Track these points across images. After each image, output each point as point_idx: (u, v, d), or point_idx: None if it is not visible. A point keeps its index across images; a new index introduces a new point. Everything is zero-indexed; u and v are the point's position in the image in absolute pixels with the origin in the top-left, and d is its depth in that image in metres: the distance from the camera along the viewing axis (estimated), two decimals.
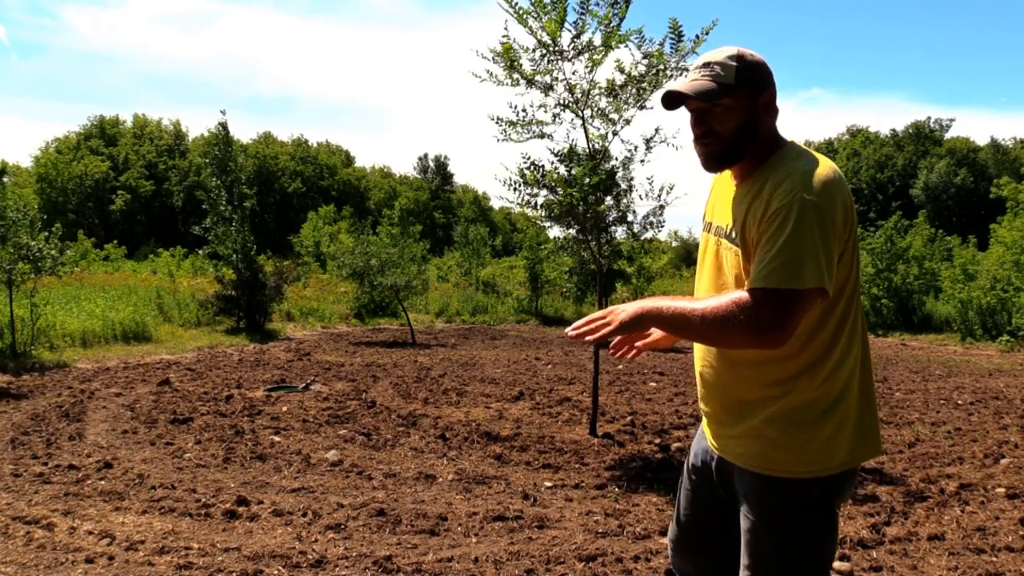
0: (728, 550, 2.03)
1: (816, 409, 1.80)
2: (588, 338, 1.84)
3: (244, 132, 69.77)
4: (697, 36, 5.69)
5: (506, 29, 5.71)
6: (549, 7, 5.58)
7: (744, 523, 1.89)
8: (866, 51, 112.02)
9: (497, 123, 6.11)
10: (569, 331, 1.87)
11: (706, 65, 1.85)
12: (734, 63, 1.83)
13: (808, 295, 1.66)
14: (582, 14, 5.64)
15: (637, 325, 1.81)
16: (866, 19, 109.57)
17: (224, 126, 15.36)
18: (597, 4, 5.62)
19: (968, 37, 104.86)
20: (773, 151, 1.87)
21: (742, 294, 1.70)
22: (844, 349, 1.82)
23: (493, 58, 5.82)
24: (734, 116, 1.84)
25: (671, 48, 5.67)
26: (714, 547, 2.09)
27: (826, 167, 1.77)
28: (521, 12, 5.64)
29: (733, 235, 1.86)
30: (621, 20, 5.68)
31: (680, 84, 1.88)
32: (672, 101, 1.90)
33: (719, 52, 1.87)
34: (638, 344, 2.19)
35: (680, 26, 5.57)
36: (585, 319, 1.88)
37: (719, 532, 2.06)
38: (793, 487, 1.82)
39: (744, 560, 1.90)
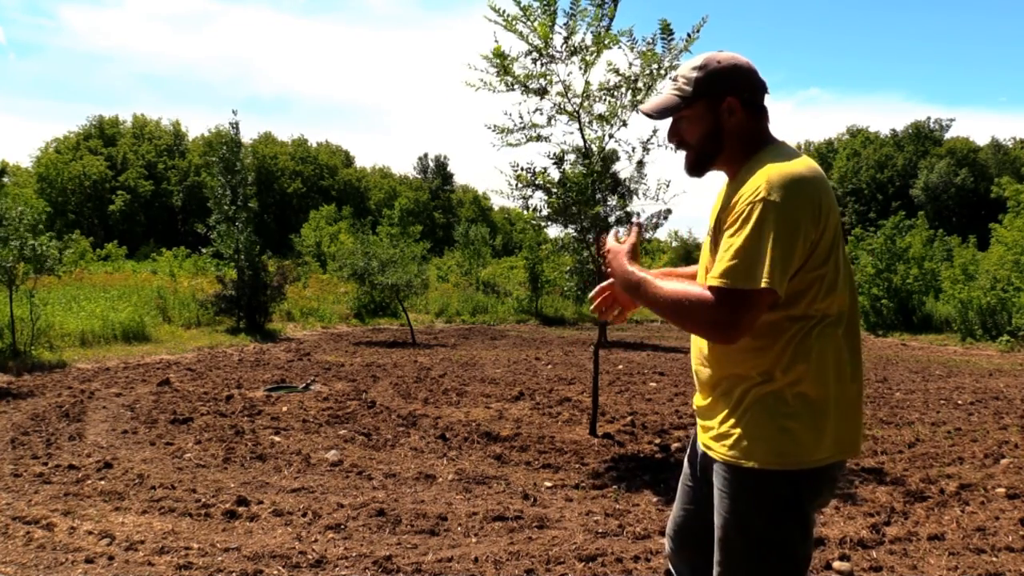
0: None
1: (790, 400, 1.81)
2: (604, 315, 2.04)
3: (243, 132, 69.54)
4: (688, 35, 5.67)
5: (496, 40, 5.72)
6: (539, 10, 5.57)
7: (717, 519, 1.91)
8: (865, 50, 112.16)
9: (493, 130, 6.12)
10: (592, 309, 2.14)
11: (674, 79, 1.98)
12: (695, 74, 1.93)
13: (760, 295, 1.71)
14: (572, 15, 5.63)
15: (623, 289, 2.00)
16: (864, 18, 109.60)
17: (235, 126, 15.41)
18: (584, 6, 5.62)
19: (967, 36, 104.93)
20: (756, 151, 1.92)
21: (703, 290, 1.77)
22: (823, 346, 1.82)
23: (488, 63, 5.81)
24: (697, 126, 1.95)
25: (663, 48, 5.67)
26: (708, 545, 2.09)
27: (798, 166, 1.80)
28: (510, 19, 5.63)
29: (714, 231, 1.92)
30: (611, 20, 5.67)
31: (646, 103, 2.01)
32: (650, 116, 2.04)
33: (688, 64, 1.97)
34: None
35: (670, 25, 5.58)
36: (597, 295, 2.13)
37: (712, 530, 2.07)
38: (763, 480, 1.82)
39: (716, 556, 1.92)
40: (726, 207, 1.85)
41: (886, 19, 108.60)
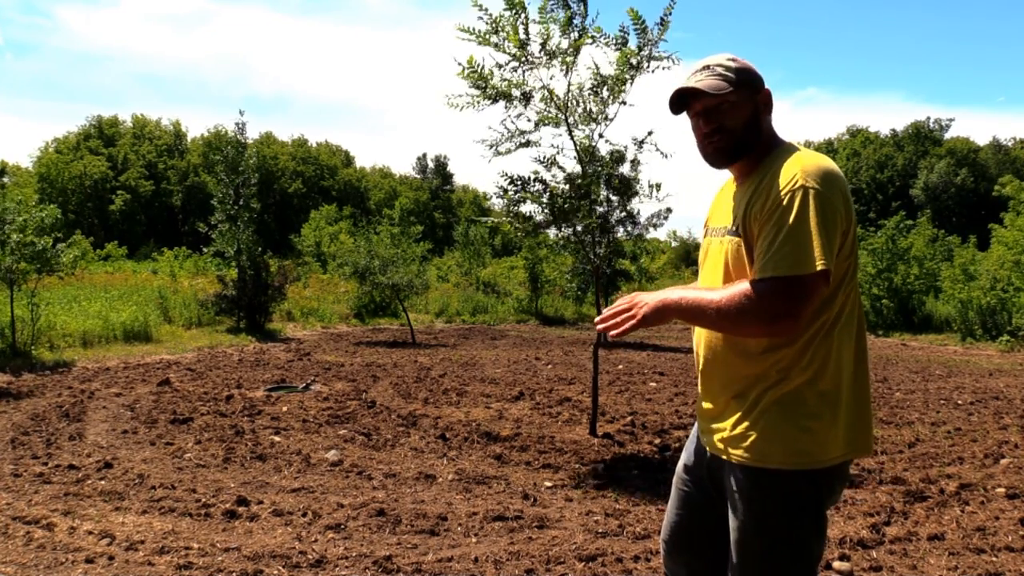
0: (719, 552, 2.04)
1: (810, 399, 1.81)
2: (613, 333, 1.88)
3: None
4: (661, 19, 5.54)
5: (460, 65, 5.65)
6: (507, 24, 5.50)
7: (732, 521, 1.90)
8: (862, 50, 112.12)
9: (482, 144, 6.06)
10: (596, 322, 1.94)
11: (706, 67, 1.94)
12: (733, 64, 1.93)
13: (814, 280, 1.70)
14: (543, 22, 5.55)
15: (659, 319, 1.86)
16: (861, 17, 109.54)
17: (241, 127, 15.44)
18: (552, 10, 5.54)
19: (965, 37, 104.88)
20: (771, 149, 1.94)
21: (752, 285, 1.73)
22: (841, 342, 1.83)
23: (466, 81, 5.73)
24: (741, 111, 1.92)
25: (638, 39, 5.58)
26: (705, 548, 2.10)
27: (825, 160, 1.84)
28: (483, 33, 5.56)
29: (735, 229, 1.90)
30: (583, 19, 5.60)
31: (691, 82, 1.93)
32: (677, 104, 1.98)
33: (715, 57, 1.96)
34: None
35: (641, 16, 5.49)
36: (611, 310, 1.92)
37: (710, 533, 2.07)
38: (783, 481, 1.82)
39: (732, 559, 1.91)
40: (751, 201, 1.84)
41: (883, 18, 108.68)
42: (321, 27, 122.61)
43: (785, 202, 1.74)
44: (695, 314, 1.82)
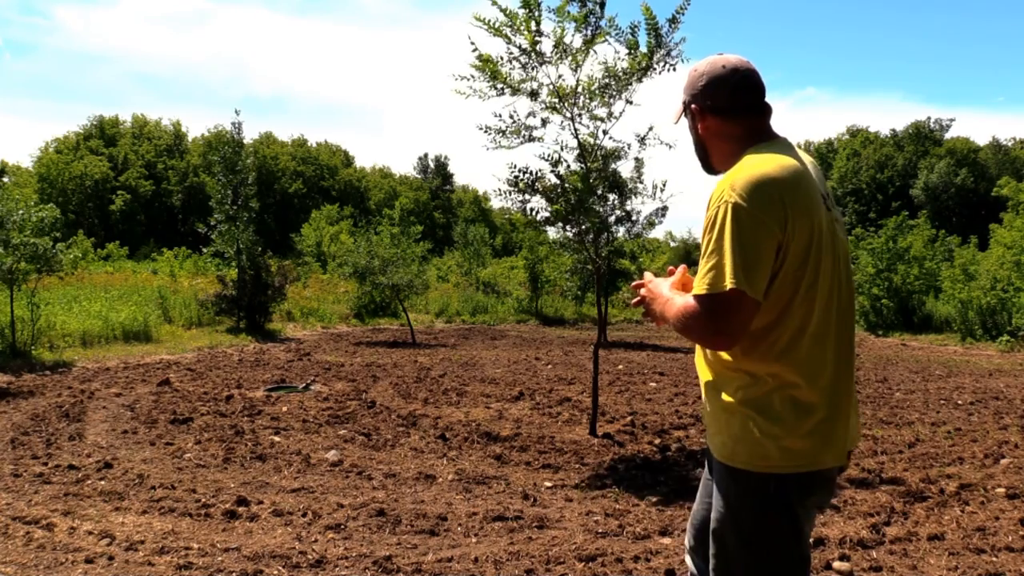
0: None
1: (778, 407, 1.79)
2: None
3: (243, 132, 69.45)
4: (673, 15, 5.53)
5: (475, 48, 5.65)
6: (522, 22, 5.50)
7: (713, 512, 1.94)
8: (861, 50, 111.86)
9: (486, 132, 6.06)
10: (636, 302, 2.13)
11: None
12: (684, 81, 2.04)
13: (734, 298, 1.69)
14: (560, 21, 5.56)
15: (656, 318, 2.01)
16: (859, 17, 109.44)
17: (238, 127, 15.44)
18: (573, 7, 5.52)
19: (964, 36, 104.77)
20: (743, 153, 1.89)
21: (689, 300, 1.80)
22: (812, 353, 1.80)
23: (476, 71, 5.74)
24: (690, 130, 2.07)
25: (649, 39, 5.55)
26: None
27: (765, 165, 1.77)
28: (497, 25, 5.55)
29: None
30: (598, 19, 5.58)
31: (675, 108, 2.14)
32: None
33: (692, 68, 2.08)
34: None
35: (655, 18, 5.47)
36: (638, 298, 2.10)
37: None
38: (752, 480, 1.83)
39: (711, 548, 1.94)
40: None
41: (882, 18, 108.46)
42: (320, 27, 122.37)
43: (711, 219, 1.77)
44: (668, 322, 1.93)
